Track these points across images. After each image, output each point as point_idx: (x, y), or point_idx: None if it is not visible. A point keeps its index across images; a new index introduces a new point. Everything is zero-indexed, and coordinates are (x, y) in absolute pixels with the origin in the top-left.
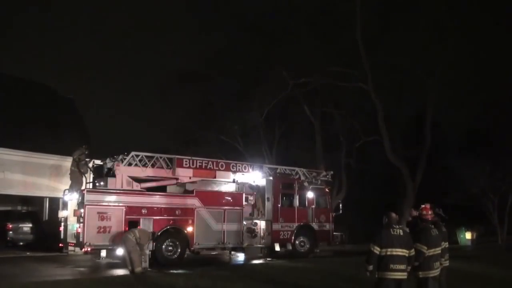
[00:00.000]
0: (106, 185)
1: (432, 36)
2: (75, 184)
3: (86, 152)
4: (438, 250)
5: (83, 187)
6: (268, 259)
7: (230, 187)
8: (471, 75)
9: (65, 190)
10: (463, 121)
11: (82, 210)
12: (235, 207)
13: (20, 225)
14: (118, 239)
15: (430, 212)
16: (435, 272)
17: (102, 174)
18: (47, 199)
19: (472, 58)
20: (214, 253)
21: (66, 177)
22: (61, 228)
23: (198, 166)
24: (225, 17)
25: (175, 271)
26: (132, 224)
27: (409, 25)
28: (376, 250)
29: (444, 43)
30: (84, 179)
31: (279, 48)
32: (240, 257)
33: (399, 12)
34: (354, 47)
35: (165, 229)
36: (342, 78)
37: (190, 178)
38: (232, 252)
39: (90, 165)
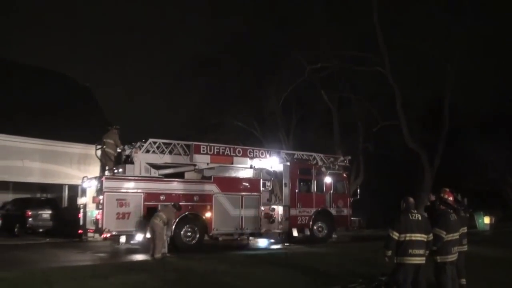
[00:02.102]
0: (124, 172)
1: (450, 18)
2: (111, 164)
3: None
4: (456, 235)
5: (104, 173)
6: (286, 244)
7: (247, 173)
8: (490, 57)
9: (83, 177)
10: (482, 105)
11: (101, 197)
12: (253, 193)
13: (40, 212)
14: (142, 224)
15: (451, 198)
16: (453, 257)
17: (120, 161)
18: (66, 186)
19: (491, 41)
20: (232, 238)
21: (85, 164)
22: (80, 215)
23: (215, 152)
24: (242, 1)
25: (193, 256)
26: (150, 211)
27: (427, 8)
28: (395, 235)
29: (462, 24)
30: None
31: (296, 33)
32: (258, 242)
33: None
34: (372, 31)
35: (183, 215)
36: (360, 62)
37: (207, 164)
38: (250, 238)
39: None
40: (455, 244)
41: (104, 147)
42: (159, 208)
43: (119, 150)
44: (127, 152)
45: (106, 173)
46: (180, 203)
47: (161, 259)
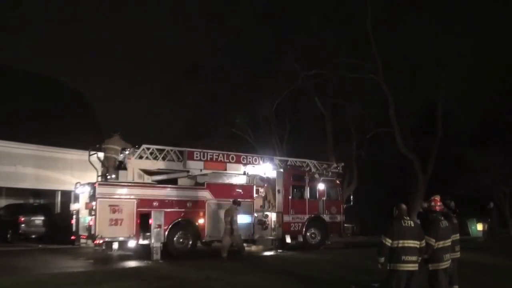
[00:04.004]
0: (117, 178)
1: (444, 26)
2: (112, 170)
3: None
4: (448, 242)
5: (98, 179)
6: (279, 251)
7: (241, 180)
8: (483, 65)
9: (76, 183)
10: (475, 112)
11: (93, 203)
12: (246, 199)
13: (32, 218)
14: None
15: (439, 204)
16: (445, 264)
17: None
18: (59, 192)
19: (484, 48)
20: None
21: (78, 170)
22: (73, 221)
23: (209, 159)
24: (237, 8)
25: (186, 263)
26: (143, 217)
27: (420, 15)
28: (388, 242)
29: (455, 32)
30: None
31: (290, 40)
32: (251, 249)
33: (410, 1)
34: (365, 38)
35: (176, 221)
36: (353, 69)
37: (201, 170)
38: (244, 244)
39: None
40: (447, 251)
41: (106, 152)
42: (152, 214)
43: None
44: (120, 158)
45: (99, 179)
46: (173, 209)
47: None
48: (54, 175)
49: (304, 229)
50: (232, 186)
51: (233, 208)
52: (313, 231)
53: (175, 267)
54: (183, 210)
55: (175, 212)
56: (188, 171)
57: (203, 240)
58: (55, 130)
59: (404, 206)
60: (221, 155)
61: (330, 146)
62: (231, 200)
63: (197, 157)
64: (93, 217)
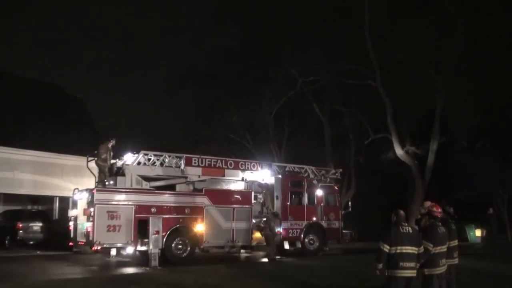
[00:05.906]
0: (115, 184)
1: (441, 32)
2: (105, 177)
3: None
4: (444, 248)
5: (96, 185)
6: (277, 257)
7: (239, 186)
8: (481, 71)
9: (74, 189)
10: (473, 118)
11: (91, 209)
12: (244, 206)
13: (30, 224)
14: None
15: (440, 210)
16: (440, 270)
17: (111, 173)
18: (57, 198)
19: (482, 54)
20: (224, 251)
21: (76, 176)
22: (71, 227)
23: (207, 165)
24: (235, 14)
25: (184, 269)
26: (142, 223)
27: (418, 21)
28: (386, 248)
29: (453, 38)
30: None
31: (288, 46)
32: (250, 255)
33: (407, 8)
34: (363, 44)
35: (174, 227)
36: (351, 75)
37: (199, 176)
38: (242, 251)
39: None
40: (442, 257)
41: (96, 158)
42: (150, 220)
43: (112, 162)
44: (119, 164)
45: (97, 185)
46: (171, 216)
47: (273, 260)
48: (52, 181)
49: (302, 235)
50: (230, 192)
51: (273, 219)
52: (311, 237)
53: (173, 273)
54: (181, 216)
55: (173, 218)
56: (186, 177)
57: (201, 247)
58: (53, 136)
59: (402, 212)
60: (219, 161)
61: (329, 152)
62: (230, 206)
63: (195, 163)
64: (91, 223)
